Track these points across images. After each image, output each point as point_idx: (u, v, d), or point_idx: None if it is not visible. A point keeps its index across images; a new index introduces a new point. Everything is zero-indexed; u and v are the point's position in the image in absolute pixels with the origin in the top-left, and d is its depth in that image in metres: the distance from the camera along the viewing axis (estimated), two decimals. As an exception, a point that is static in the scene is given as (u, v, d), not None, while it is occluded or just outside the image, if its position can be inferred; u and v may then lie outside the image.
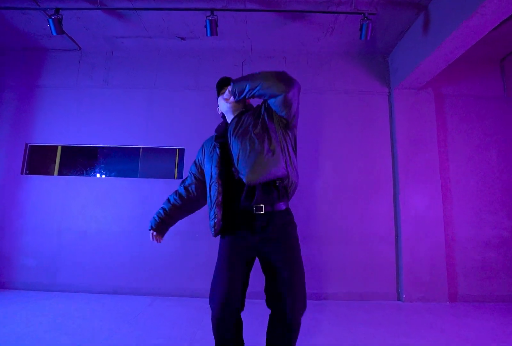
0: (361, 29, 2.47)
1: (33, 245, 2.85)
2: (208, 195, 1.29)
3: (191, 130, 3.03)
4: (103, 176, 3.18)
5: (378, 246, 2.90)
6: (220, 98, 1.38)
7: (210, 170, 1.28)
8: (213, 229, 1.24)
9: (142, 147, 3.18)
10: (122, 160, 3.20)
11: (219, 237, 1.30)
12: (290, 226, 1.26)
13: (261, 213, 1.18)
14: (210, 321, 1.21)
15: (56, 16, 2.33)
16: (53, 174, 3.12)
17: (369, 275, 2.85)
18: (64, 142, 3.05)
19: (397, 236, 2.93)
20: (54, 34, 2.35)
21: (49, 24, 2.33)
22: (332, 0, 2.49)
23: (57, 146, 3.15)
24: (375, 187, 3.00)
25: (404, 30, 2.85)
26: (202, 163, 1.41)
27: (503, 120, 3.14)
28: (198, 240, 2.83)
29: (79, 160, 3.17)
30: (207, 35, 2.44)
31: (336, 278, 2.84)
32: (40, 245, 2.84)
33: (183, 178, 2.96)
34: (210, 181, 1.27)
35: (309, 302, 2.60)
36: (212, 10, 2.41)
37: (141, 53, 3.17)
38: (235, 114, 1.32)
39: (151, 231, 1.42)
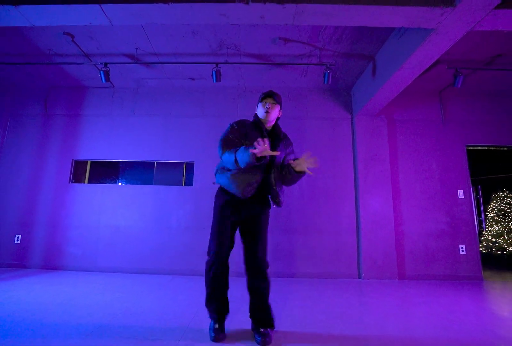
0: (324, 76, 3.37)
1: (78, 238, 3.70)
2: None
3: (198, 148, 3.92)
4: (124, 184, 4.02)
5: (343, 236, 3.75)
6: (262, 104, 1.71)
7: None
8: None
9: (157, 162, 4.05)
10: (140, 172, 4.04)
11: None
12: None
13: None
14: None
15: (105, 69, 3.23)
16: (84, 182, 3.99)
17: (336, 259, 3.69)
18: (99, 158, 3.93)
19: (358, 229, 3.80)
20: (104, 82, 3.24)
21: (100, 75, 3.23)
22: (304, 54, 3.39)
23: (87, 161, 4.03)
24: (341, 191, 3.87)
25: (360, 73, 3.76)
26: (243, 137, 1.61)
27: (440, 139, 4.04)
28: (204, 233, 3.69)
29: (104, 172, 4.03)
30: (213, 81, 3.33)
31: (309, 261, 3.66)
32: (84, 238, 3.69)
33: (193, 185, 3.83)
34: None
35: (286, 279, 3.48)
36: (216, 64, 3.31)
37: (160, 90, 4.08)
38: (268, 124, 1.74)
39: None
